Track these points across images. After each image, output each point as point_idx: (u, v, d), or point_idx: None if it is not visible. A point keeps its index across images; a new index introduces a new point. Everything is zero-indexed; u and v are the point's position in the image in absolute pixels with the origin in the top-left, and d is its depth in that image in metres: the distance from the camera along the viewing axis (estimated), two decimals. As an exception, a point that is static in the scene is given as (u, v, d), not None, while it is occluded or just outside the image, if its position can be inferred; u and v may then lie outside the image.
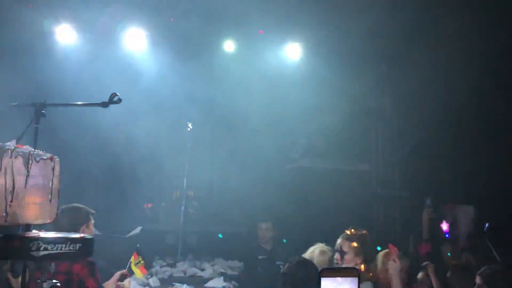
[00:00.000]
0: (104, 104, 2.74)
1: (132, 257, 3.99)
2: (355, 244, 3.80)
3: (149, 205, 8.38)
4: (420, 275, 4.02)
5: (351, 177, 7.26)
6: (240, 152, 8.23)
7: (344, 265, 3.62)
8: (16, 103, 2.84)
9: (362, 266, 3.68)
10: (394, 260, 3.71)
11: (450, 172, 6.28)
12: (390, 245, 3.83)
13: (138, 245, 4.69)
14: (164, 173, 8.36)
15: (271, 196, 7.41)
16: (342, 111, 7.44)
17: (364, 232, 3.86)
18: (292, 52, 7.44)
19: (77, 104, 2.99)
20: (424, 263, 4.09)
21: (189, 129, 7.46)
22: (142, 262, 3.98)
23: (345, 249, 3.83)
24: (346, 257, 3.78)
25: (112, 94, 2.76)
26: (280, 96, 7.48)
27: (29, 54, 6.24)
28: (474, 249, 4.69)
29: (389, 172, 7.68)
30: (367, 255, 3.79)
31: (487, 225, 4.59)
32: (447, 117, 6.38)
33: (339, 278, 1.26)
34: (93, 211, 3.46)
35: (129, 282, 3.61)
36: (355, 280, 1.27)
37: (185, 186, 7.34)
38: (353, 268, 1.31)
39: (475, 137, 6.12)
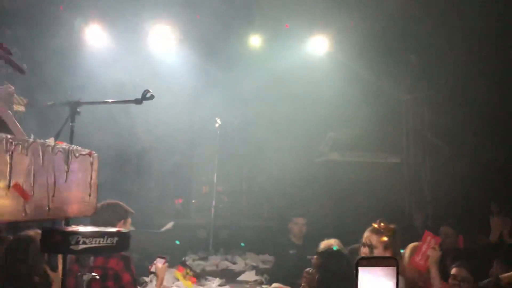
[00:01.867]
0: (138, 101, 2.79)
1: (178, 272, 4.08)
2: (384, 238, 3.75)
3: (180, 201, 8.49)
4: (454, 270, 3.92)
5: (381, 170, 7.17)
6: (268, 146, 8.25)
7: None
8: (52, 102, 2.93)
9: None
10: (434, 248, 3.63)
11: (478, 164, 6.12)
12: (429, 233, 3.74)
13: (183, 259, 4.83)
14: (194, 169, 8.47)
15: (300, 190, 7.41)
16: (371, 103, 7.35)
17: (392, 226, 3.80)
18: (319, 45, 7.39)
19: (110, 102, 3.05)
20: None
21: (217, 124, 7.53)
22: (190, 273, 4.08)
23: (374, 243, 3.78)
24: (375, 251, 3.74)
25: (145, 91, 2.81)
26: (307, 89, 7.45)
27: (62, 54, 6.39)
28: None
29: (420, 164, 7.55)
30: (396, 249, 3.73)
31: None
32: (478, 108, 6.21)
33: (377, 267, 1.25)
34: (132, 210, 3.53)
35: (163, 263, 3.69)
36: (394, 269, 1.26)
37: (215, 181, 7.41)
38: (391, 258, 1.29)
39: (507, 132, 5.94)
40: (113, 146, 6.47)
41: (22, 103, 2.60)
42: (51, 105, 2.89)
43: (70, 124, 2.77)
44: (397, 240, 3.73)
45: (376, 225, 3.84)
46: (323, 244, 4.19)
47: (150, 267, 3.72)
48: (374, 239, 3.72)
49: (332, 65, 7.37)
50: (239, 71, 7.40)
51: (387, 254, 3.66)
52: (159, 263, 3.66)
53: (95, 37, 6.94)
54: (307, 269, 3.69)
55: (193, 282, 3.94)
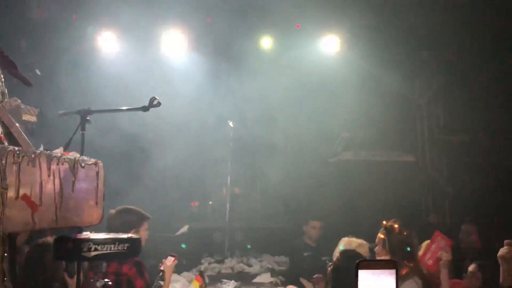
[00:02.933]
0: (145, 108, 2.83)
1: (195, 281, 4.11)
2: (381, 235, 3.75)
3: (196, 204, 8.54)
4: (472, 267, 3.87)
5: (396, 169, 7.10)
6: (281, 147, 8.24)
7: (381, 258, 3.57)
8: (63, 111, 2.98)
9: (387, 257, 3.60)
10: (445, 251, 3.59)
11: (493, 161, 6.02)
12: (439, 233, 3.70)
13: (201, 269, 4.86)
14: (208, 171, 8.51)
15: (315, 191, 7.38)
16: (384, 102, 7.29)
17: (390, 223, 3.77)
18: (330, 45, 7.36)
19: (119, 109, 3.09)
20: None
21: (230, 126, 7.55)
22: (204, 285, 4.11)
23: (376, 241, 3.81)
24: (376, 249, 3.75)
25: (151, 98, 2.84)
26: (319, 89, 7.43)
27: (74, 63, 6.49)
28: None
29: (436, 163, 7.47)
30: (394, 247, 3.69)
31: None
32: (494, 105, 6.11)
33: (377, 270, 1.25)
34: (148, 215, 3.56)
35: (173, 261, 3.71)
36: (393, 272, 1.26)
37: (229, 184, 7.43)
38: (391, 261, 1.29)
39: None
40: (127, 152, 6.55)
41: (33, 113, 2.65)
42: (62, 114, 2.95)
43: (81, 132, 2.82)
44: (396, 238, 3.69)
45: (385, 223, 3.84)
46: (343, 242, 4.18)
47: (160, 265, 3.75)
48: (377, 237, 3.74)
49: (343, 64, 7.34)
50: (250, 73, 7.42)
51: (384, 251, 3.65)
52: (168, 261, 3.69)
53: (107, 43, 7.03)
54: (316, 276, 3.70)
55: None
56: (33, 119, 2.58)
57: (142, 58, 7.07)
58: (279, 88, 7.60)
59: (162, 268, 3.65)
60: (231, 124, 7.52)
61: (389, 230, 3.71)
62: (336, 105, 7.38)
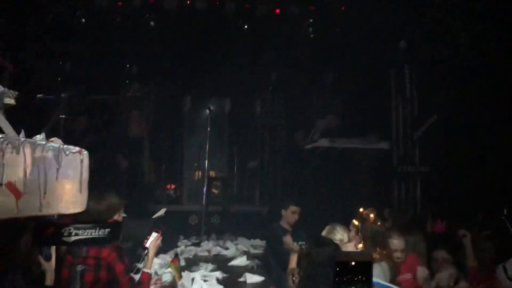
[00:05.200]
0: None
1: (171, 263, 4.14)
2: (356, 222, 3.87)
3: (172, 186, 8.56)
4: (438, 253, 4.02)
5: (370, 156, 7.26)
6: (259, 133, 8.31)
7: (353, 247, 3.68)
8: (42, 95, 2.96)
9: (360, 245, 3.74)
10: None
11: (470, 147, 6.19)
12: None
13: (177, 251, 4.89)
14: (185, 155, 8.53)
15: (291, 176, 7.49)
16: (360, 90, 7.40)
17: (366, 212, 3.89)
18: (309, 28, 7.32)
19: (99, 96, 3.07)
20: (461, 232, 3.96)
21: (208, 111, 7.56)
22: (180, 267, 4.15)
23: (350, 226, 3.93)
24: (350, 235, 3.87)
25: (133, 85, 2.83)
26: (295, 73, 7.48)
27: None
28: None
29: (409, 150, 7.65)
30: (367, 235, 3.82)
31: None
32: (468, 94, 6.27)
33: (353, 261, 1.32)
34: (124, 200, 3.57)
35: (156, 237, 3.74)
36: (369, 263, 1.33)
37: (206, 168, 7.45)
38: (367, 254, 1.37)
39: (498, 114, 6.01)
40: (104, 135, 6.49)
41: (12, 96, 2.61)
42: (41, 98, 2.92)
43: (61, 116, 2.81)
44: (367, 227, 3.82)
45: (361, 210, 3.97)
46: (327, 229, 4.28)
47: (144, 242, 3.77)
48: (351, 223, 3.86)
49: (320, 48, 7.36)
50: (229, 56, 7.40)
51: (357, 237, 3.77)
52: (152, 237, 3.72)
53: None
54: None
55: (179, 279, 4.01)
56: (12, 102, 2.54)
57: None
58: (254, 70, 7.62)
59: (146, 245, 3.68)
60: (210, 108, 7.54)
61: (364, 219, 3.82)
62: (313, 89, 7.46)
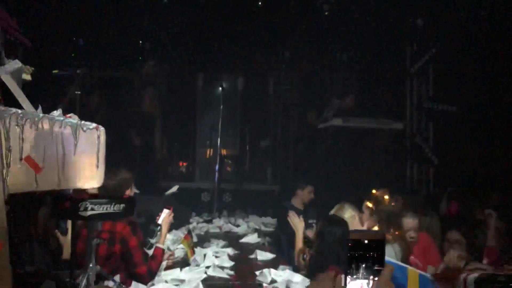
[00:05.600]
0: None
1: (184, 239, 4.20)
2: (370, 205, 3.87)
3: (184, 164, 8.62)
4: (451, 234, 4.02)
5: (384, 136, 7.21)
6: (271, 112, 8.29)
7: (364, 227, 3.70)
8: (57, 71, 2.97)
9: (376, 228, 3.75)
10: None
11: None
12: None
13: (189, 228, 4.95)
14: (198, 132, 8.56)
15: (303, 155, 7.49)
16: (375, 69, 7.32)
17: (380, 194, 3.89)
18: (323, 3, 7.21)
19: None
20: (487, 211, 3.93)
21: (221, 88, 7.55)
22: (191, 245, 4.20)
23: (363, 209, 3.93)
24: (363, 216, 3.87)
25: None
26: (310, 52, 7.40)
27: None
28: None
29: (423, 131, 7.59)
30: (383, 217, 3.83)
31: None
32: (484, 76, 6.16)
33: (366, 240, 1.33)
34: (134, 175, 3.62)
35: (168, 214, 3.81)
36: (382, 242, 1.34)
37: (219, 145, 7.48)
38: (379, 232, 1.38)
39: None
40: (118, 110, 6.53)
41: (28, 71, 2.63)
42: (57, 74, 2.94)
43: (76, 92, 2.83)
44: (382, 209, 3.83)
45: (374, 192, 3.96)
46: (336, 207, 4.29)
47: (156, 218, 3.84)
48: (364, 205, 3.86)
49: (334, 28, 7.27)
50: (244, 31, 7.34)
51: (371, 220, 3.78)
52: (164, 214, 3.78)
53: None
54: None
55: (191, 255, 4.07)
56: (28, 77, 2.57)
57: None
58: (271, 52, 7.57)
59: (159, 221, 3.75)
60: (223, 85, 7.53)
61: (378, 201, 3.83)
62: (328, 71, 7.39)
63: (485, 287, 1.65)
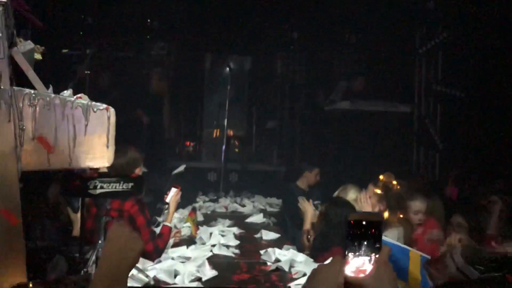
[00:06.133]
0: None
1: (188, 216, 4.28)
2: (378, 191, 3.90)
3: (191, 144, 8.68)
4: (454, 218, 4.05)
5: (391, 119, 7.20)
6: (279, 93, 8.28)
7: (367, 209, 3.72)
8: (67, 50, 2.99)
9: (386, 214, 3.78)
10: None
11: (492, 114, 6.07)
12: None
13: (195, 205, 5.03)
14: (204, 112, 8.60)
15: (310, 137, 7.52)
16: (384, 51, 7.26)
17: (387, 180, 3.91)
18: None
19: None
20: (493, 198, 3.93)
21: (229, 69, 7.56)
22: (195, 221, 4.29)
23: (369, 194, 3.95)
24: (369, 201, 3.90)
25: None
26: (318, 33, 7.35)
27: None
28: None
29: (431, 114, 7.55)
30: (392, 203, 3.85)
31: None
32: (496, 57, 6.08)
33: (365, 222, 1.38)
34: (144, 155, 3.67)
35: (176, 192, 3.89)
36: (380, 224, 1.38)
37: (225, 126, 7.52)
38: (377, 214, 1.42)
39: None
40: (126, 90, 6.55)
41: (38, 51, 2.65)
42: (66, 53, 2.96)
43: (85, 72, 2.86)
44: (395, 195, 3.85)
45: (381, 177, 3.99)
46: (340, 189, 4.33)
47: (165, 197, 3.92)
48: (370, 190, 3.88)
49: (344, 10, 7.20)
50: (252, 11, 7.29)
51: (381, 206, 3.81)
52: (172, 193, 3.86)
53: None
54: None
55: (195, 231, 4.16)
56: (39, 57, 2.59)
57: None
58: (279, 33, 7.52)
59: (166, 200, 3.82)
60: (230, 65, 7.55)
61: (387, 187, 3.85)
62: (335, 53, 7.35)
63: (472, 261, 1.69)
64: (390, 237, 3.15)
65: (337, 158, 7.00)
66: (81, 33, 6.87)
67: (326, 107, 7.51)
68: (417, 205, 3.74)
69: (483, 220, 3.73)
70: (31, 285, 1.70)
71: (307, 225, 4.18)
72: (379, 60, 7.22)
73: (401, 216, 3.74)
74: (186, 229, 4.47)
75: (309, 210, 4.18)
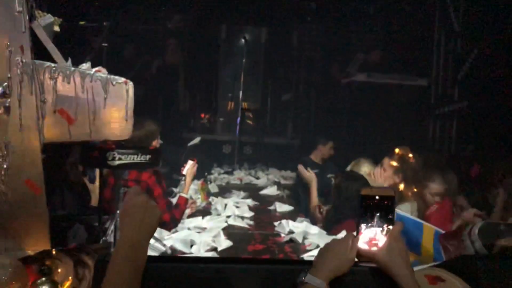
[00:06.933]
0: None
1: (200, 184, 4.41)
2: (393, 163, 3.88)
3: (207, 116, 8.72)
4: (458, 199, 4.02)
5: (408, 92, 7.11)
6: (295, 65, 8.21)
7: (382, 183, 3.73)
8: (84, 22, 3.01)
9: (401, 186, 3.77)
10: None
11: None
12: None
13: (206, 175, 5.16)
14: (219, 84, 8.59)
15: (325, 110, 7.48)
16: (402, 23, 7.11)
17: (403, 152, 3.89)
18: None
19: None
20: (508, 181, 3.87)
21: (244, 40, 7.49)
22: (205, 189, 4.42)
23: (385, 166, 3.94)
24: (384, 174, 3.89)
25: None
26: (335, 4, 7.22)
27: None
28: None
29: (449, 88, 7.43)
30: (408, 175, 3.84)
31: None
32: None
33: (377, 196, 1.40)
34: (160, 127, 3.73)
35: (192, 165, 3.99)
36: (392, 199, 1.40)
37: (240, 98, 7.52)
38: (389, 189, 1.44)
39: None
40: (141, 61, 6.57)
41: (56, 22, 2.67)
42: (84, 25, 2.98)
43: (103, 44, 2.87)
44: (411, 167, 3.84)
45: (397, 150, 3.97)
46: (353, 163, 4.34)
47: (181, 169, 4.01)
48: (386, 162, 3.87)
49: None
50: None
51: (395, 177, 3.80)
52: (189, 165, 3.96)
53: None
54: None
55: (204, 199, 4.30)
56: (57, 28, 2.61)
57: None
58: (296, 4, 7.40)
59: (183, 172, 3.91)
60: (245, 37, 7.48)
61: (404, 160, 3.84)
62: (352, 26, 7.22)
63: (488, 235, 1.71)
64: (404, 210, 3.17)
65: (352, 131, 6.97)
66: (96, 3, 6.87)
67: (343, 80, 7.44)
68: (435, 187, 3.70)
69: (488, 206, 3.72)
70: (54, 252, 1.77)
71: (313, 195, 4.21)
72: (397, 33, 7.07)
73: (415, 190, 3.74)
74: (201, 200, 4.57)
75: (312, 179, 4.24)
